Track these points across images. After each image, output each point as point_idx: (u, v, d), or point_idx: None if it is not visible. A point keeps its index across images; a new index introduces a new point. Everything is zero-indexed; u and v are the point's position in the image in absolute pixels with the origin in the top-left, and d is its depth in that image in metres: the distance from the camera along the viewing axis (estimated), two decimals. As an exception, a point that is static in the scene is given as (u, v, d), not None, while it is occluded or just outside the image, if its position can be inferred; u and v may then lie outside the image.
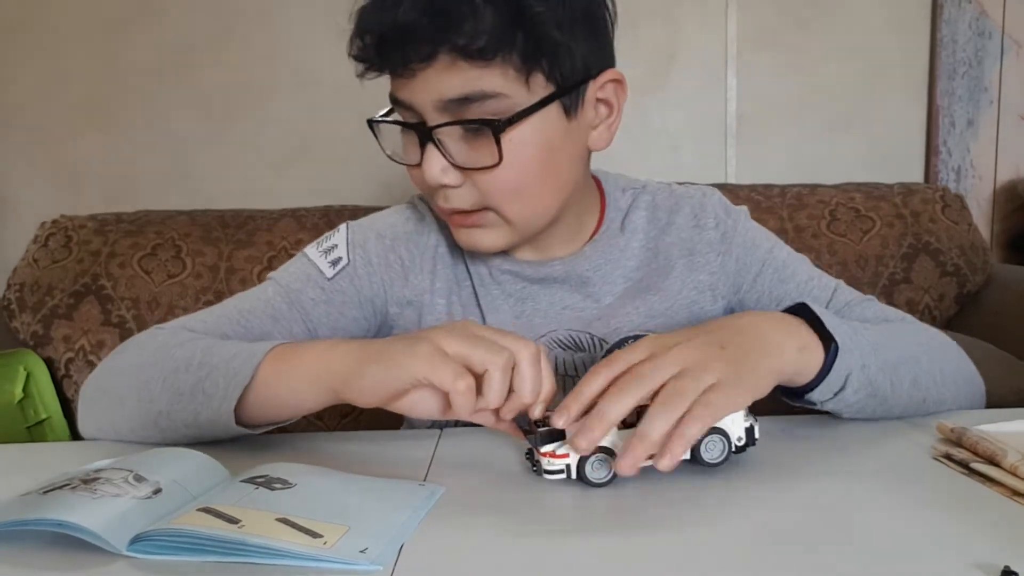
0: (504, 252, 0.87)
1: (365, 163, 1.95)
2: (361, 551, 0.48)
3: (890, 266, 1.58)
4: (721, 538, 0.51)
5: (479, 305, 0.88)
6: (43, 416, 1.47)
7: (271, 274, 0.89)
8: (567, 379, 0.86)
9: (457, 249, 0.90)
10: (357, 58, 0.77)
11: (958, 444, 0.64)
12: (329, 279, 0.87)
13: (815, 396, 0.69)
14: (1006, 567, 0.44)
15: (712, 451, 0.61)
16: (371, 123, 0.81)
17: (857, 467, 0.63)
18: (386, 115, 0.81)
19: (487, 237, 0.81)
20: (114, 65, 1.92)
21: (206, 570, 0.48)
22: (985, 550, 0.47)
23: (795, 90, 1.92)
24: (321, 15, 1.90)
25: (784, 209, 1.63)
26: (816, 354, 0.66)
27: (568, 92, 0.76)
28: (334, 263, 0.87)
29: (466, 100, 0.72)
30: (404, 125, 0.78)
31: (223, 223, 1.64)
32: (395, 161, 0.82)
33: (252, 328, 0.83)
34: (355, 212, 1.64)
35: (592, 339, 0.86)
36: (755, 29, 1.90)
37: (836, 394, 0.69)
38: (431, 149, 0.74)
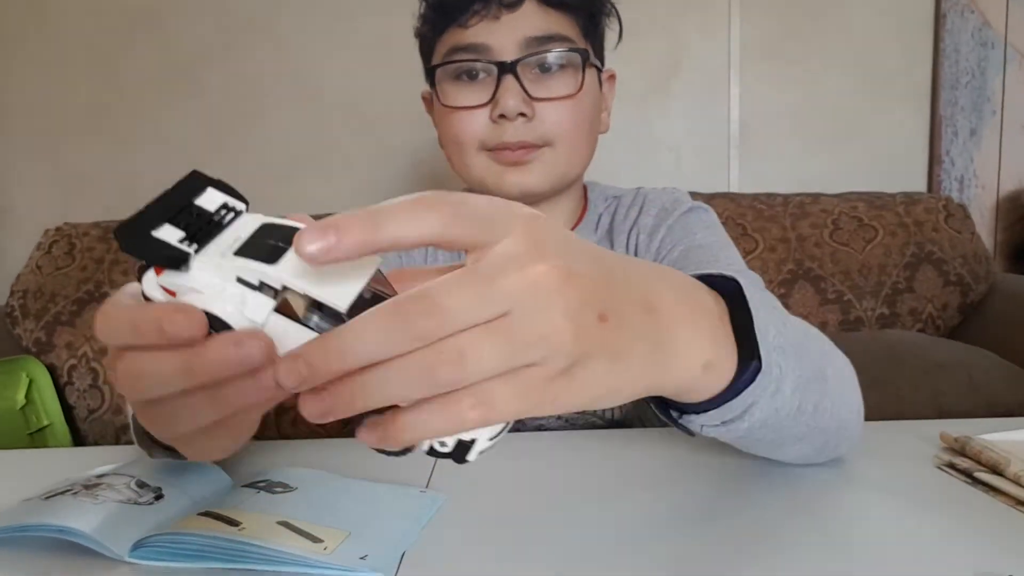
0: None
1: (366, 173, 1.95)
2: (361, 558, 0.48)
3: (893, 275, 1.58)
4: (722, 546, 0.50)
5: None
6: (45, 423, 1.48)
7: None
8: None
9: None
10: (440, 5, 0.86)
11: (961, 453, 0.63)
12: None
13: (695, 422, 0.48)
14: (1010, 576, 0.44)
15: None
16: (435, 69, 0.88)
17: (859, 476, 0.63)
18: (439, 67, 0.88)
19: (534, 174, 0.87)
20: (117, 73, 1.94)
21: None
22: (988, 560, 0.47)
23: (798, 100, 1.92)
24: (323, 25, 1.90)
25: (787, 218, 1.63)
26: (723, 375, 0.45)
27: (600, 70, 0.92)
28: None
29: (548, 39, 0.83)
30: (482, 63, 0.85)
31: (226, 230, 1.65)
32: (450, 107, 0.87)
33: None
34: (358, 220, 1.65)
35: None
36: (758, 39, 1.90)
37: (726, 423, 0.48)
38: (510, 82, 0.83)
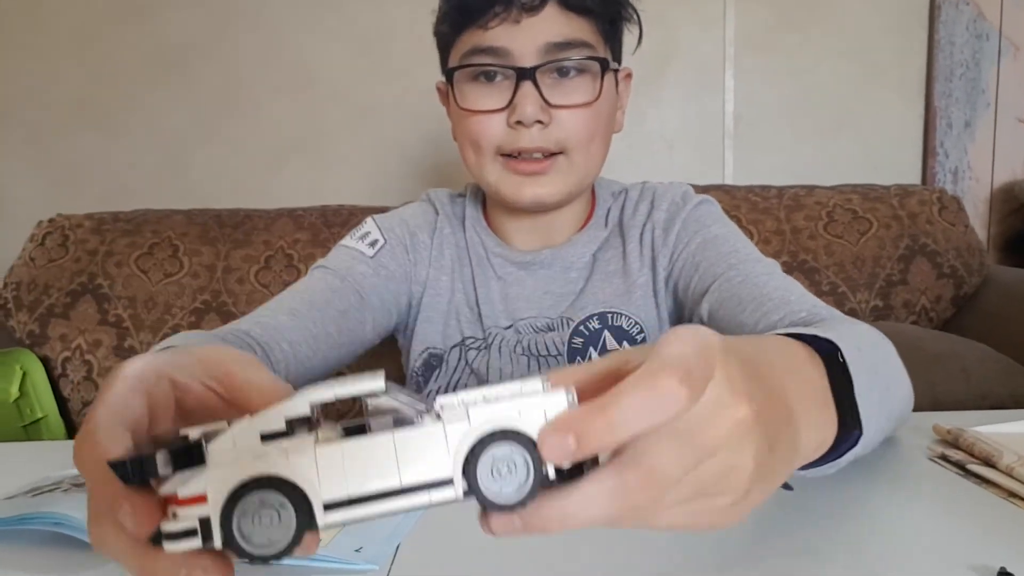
0: (502, 239, 0.97)
1: (361, 163, 1.94)
2: (356, 550, 0.48)
3: (887, 267, 1.59)
4: (717, 540, 0.51)
5: (474, 284, 0.96)
6: (39, 415, 1.47)
7: (313, 266, 0.94)
8: (540, 359, 0.92)
9: (460, 233, 0.99)
10: (460, 6, 0.85)
11: (954, 445, 0.64)
12: (371, 257, 0.93)
13: (807, 473, 0.50)
14: (1002, 568, 0.44)
15: (504, 480, 0.31)
16: (453, 71, 0.87)
17: (853, 468, 0.63)
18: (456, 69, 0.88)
19: (550, 185, 0.87)
20: (109, 64, 1.92)
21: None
22: (981, 551, 0.47)
23: (792, 92, 1.92)
24: (315, 14, 1.90)
25: (781, 210, 1.63)
26: (826, 446, 0.46)
27: (617, 70, 0.92)
28: (372, 244, 0.95)
29: (567, 45, 0.83)
30: (501, 68, 0.84)
31: (220, 222, 1.64)
32: (468, 111, 0.87)
33: (315, 301, 0.86)
34: (352, 212, 1.64)
35: (562, 319, 0.93)
36: (752, 31, 1.90)
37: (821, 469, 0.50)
38: (528, 89, 0.82)
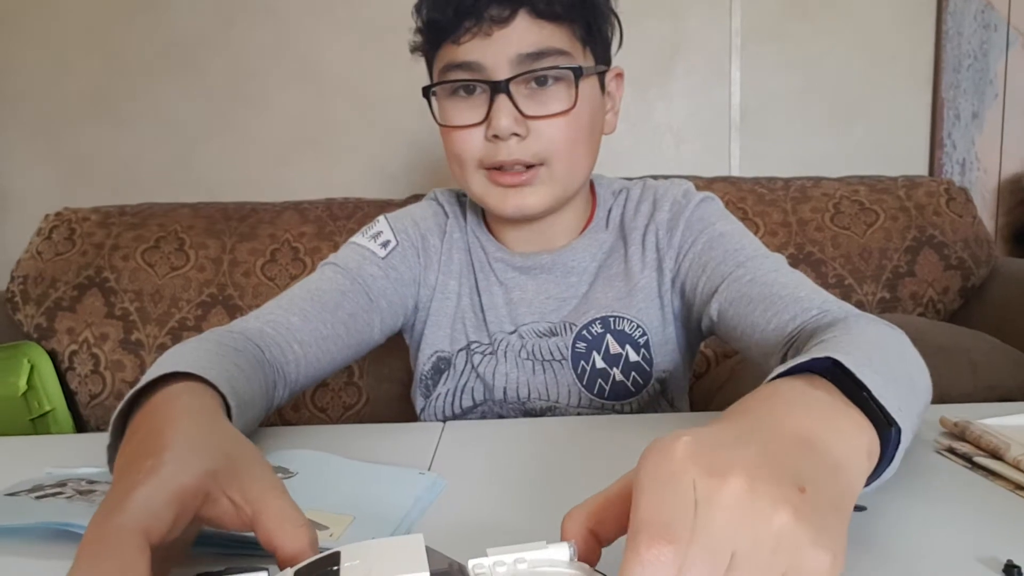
0: (503, 243, 0.97)
1: (367, 156, 1.95)
2: (365, 543, 0.48)
3: (894, 259, 1.58)
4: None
5: (478, 289, 0.97)
6: (47, 408, 1.48)
7: (324, 262, 0.93)
8: (544, 363, 0.92)
9: (466, 238, 0.99)
10: (431, 23, 0.84)
11: (961, 438, 0.64)
12: (383, 258, 0.93)
13: (868, 489, 0.48)
14: (1009, 561, 0.44)
15: None
16: (430, 88, 0.87)
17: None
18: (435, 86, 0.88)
19: (534, 196, 0.87)
20: (117, 57, 1.93)
21: (212, 564, 0.48)
22: (988, 544, 0.47)
23: (799, 83, 1.91)
24: (324, 8, 1.89)
25: (788, 202, 1.63)
26: (876, 450, 0.46)
27: (603, 73, 0.90)
28: (384, 245, 0.95)
29: (540, 55, 0.81)
30: (474, 82, 0.84)
31: (226, 215, 1.64)
32: (447, 127, 0.87)
33: (326, 302, 0.87)
34: (358, 204, 1.64)
35: (564, 324, 0.93)
36: (759, 21, 1.89)
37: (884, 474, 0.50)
38: (503, 102, 0.82)
